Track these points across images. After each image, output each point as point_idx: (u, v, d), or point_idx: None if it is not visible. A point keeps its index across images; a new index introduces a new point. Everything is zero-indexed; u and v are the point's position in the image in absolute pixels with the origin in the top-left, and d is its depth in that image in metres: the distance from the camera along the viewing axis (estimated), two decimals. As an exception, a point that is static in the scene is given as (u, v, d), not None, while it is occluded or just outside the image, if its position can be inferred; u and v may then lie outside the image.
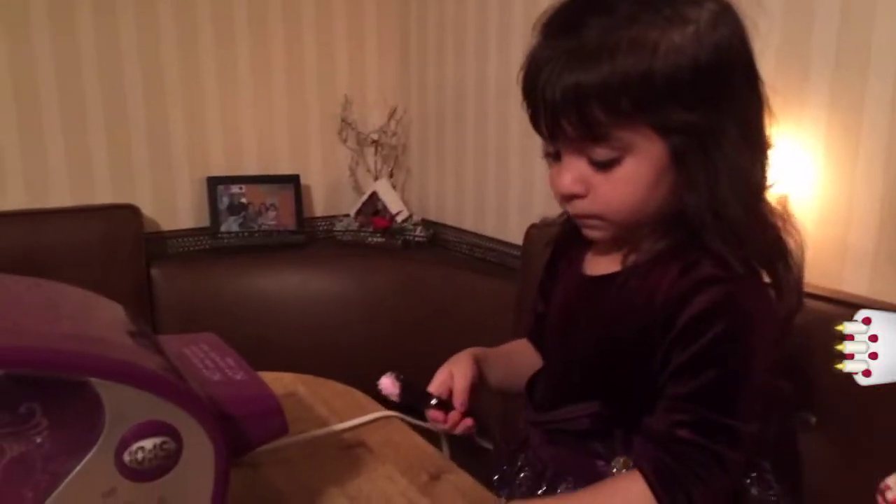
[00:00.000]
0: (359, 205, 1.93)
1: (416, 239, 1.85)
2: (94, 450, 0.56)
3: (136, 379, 0.57)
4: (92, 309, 0.70)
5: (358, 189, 2.00)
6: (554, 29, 0.69)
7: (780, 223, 0.71)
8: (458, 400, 0.82)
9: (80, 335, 0.61)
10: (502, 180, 1.70)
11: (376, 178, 1.95)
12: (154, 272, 1.68)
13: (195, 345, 0.78)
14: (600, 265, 0.79)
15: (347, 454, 0.90)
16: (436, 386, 0.83)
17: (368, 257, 1.79)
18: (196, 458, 0.60)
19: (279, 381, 1.10)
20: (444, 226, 1.89)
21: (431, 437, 0.95)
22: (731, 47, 0.68)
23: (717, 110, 0.67)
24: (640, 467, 0.70)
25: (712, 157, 0.68)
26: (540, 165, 1.39)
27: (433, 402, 0.81)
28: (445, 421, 0.82)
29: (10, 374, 0.53)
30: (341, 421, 0.96)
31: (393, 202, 1.89)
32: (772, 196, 0.72)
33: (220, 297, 1.69)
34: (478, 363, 0.87)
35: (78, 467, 0.55)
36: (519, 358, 0.95)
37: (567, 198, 0.72)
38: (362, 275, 1.76)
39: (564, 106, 0.66)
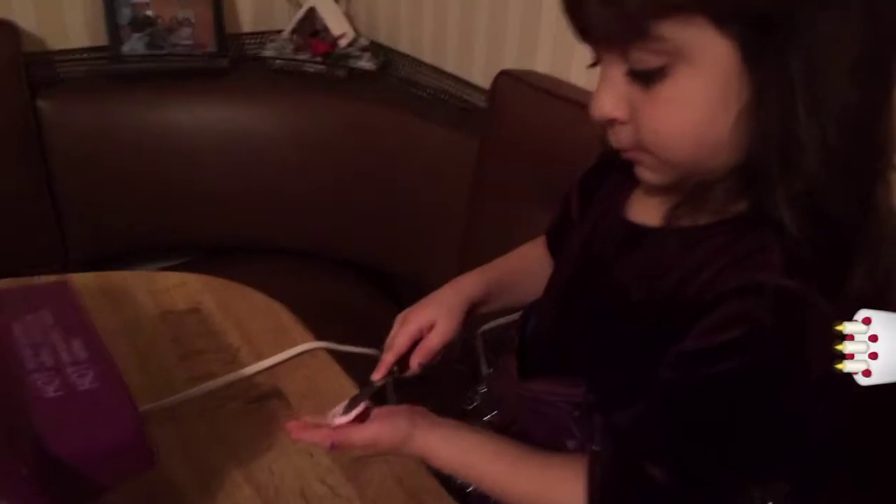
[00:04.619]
0: (294, 22, 1.59)
1: (364, 67, 1.56)
2: None
3: None
4: None
5: (294, 0, 1.65)
6: None
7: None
8: (420, 358, 0.72)
9: None
10: (467, 3, 1.39)
11: (314, -12, 1.60)
12: (41, 104, 1.38)
13: (34, 313, 0.57)
14: (647, 210, 0.60)
15: (257, 411, 0.74)
16: (407, 332, 0.72)
17: (306, 90, 1.52)
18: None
19: (182, 288, 0.91)
20: (398, 53, 1.59)
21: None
22: None
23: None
24: (591, 472, 0.56)
25: (792, 72, 0.47)
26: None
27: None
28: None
29: None
30: (253, 350, 0.81)
31: (335, 22, 1.57)
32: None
33: (125, 134, 1.43)
34: (472, 307, 0.75)
35: None
36: (528, 282, 0.78)
37: (608, 123, 0.54)
38: (299, 112, 1.50)
39: None
